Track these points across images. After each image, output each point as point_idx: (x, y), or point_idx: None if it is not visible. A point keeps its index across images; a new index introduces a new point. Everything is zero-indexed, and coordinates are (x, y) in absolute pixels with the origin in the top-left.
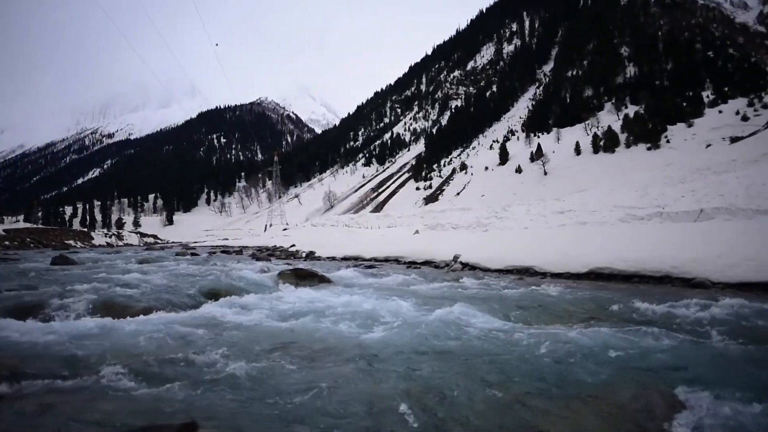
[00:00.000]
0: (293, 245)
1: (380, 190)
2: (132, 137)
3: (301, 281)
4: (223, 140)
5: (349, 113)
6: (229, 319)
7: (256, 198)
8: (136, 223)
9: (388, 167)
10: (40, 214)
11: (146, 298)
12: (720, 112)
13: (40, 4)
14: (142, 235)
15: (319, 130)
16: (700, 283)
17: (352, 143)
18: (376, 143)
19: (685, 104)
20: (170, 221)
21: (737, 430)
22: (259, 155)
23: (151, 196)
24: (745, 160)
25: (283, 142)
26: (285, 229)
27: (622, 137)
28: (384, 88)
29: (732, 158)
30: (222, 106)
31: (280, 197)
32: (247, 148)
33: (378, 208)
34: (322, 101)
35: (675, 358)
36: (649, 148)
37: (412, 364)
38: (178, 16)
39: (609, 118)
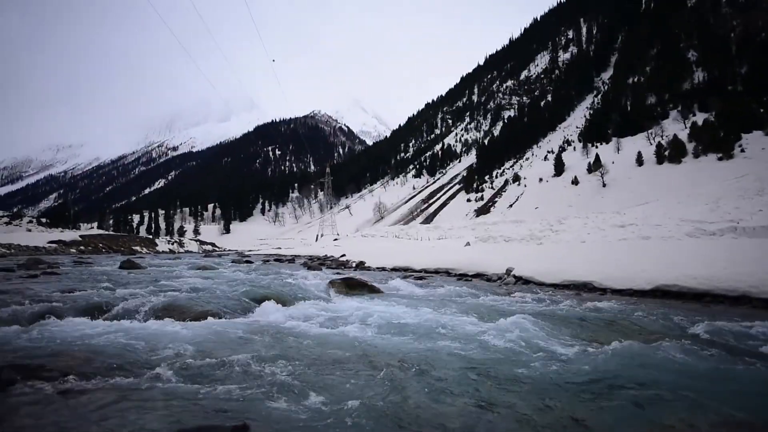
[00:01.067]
0: (344, 255)
1: (430, 202)
2: (194, 150)
3: (352, 290)
4: (278, 152)
5: (399, 125)
6: (281, 326)
7: (308, 208)
8: (196, 231)
9: (438, 178)
10: (111, 221)
11: (204, 302)
12: None
13: (115, 29)
14: (201, 242)
15: (370, 142)
16: None
17: (402, 154)
18: (427, 154)
19: (762, 110)
20: (227, 230)
21: None
22: (312, 167)
23: (210, 206)
24: None
25: (335, 154)
26: (336, 239)
27: (690, 147)
28: (435, 100)
29: None
30: (277, 120)
31: (331, 208)
32: (300, 159)
33: (428, 220)
34: (374, 113)
35: (752, 388)
36: (720, 158)
37: (464, 381)
38: (238, 34)
39: (674, 127)
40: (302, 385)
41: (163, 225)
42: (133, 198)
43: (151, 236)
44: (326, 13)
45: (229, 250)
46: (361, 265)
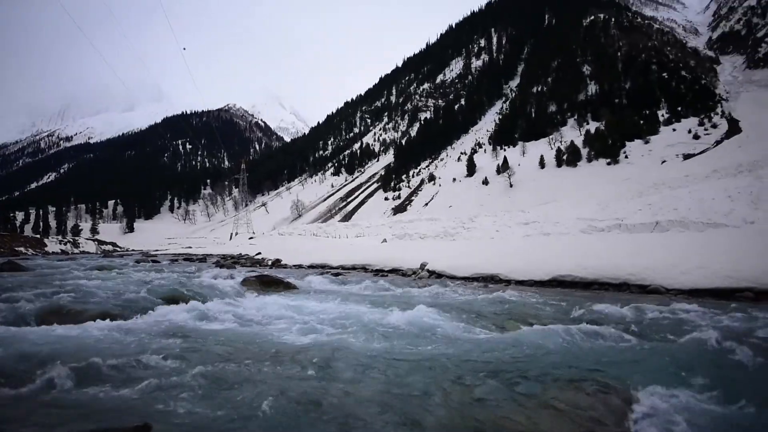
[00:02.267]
0: (259, 253)
1: (349, 200)
2: (92, 141)
3: (266, 288)
4: (188, 146)
5: (318, 122)
6: (188, 325)
7: (221, 206)
8: (94, 231)
9: (357, 177)
10: None
11: (100, 303)
12: (674, 130)
13: None
14: (100, 242)
15: (288, 139)
16: (655, 289)
17: (321, 152)
18: (346, 153)
19: (642, 122)
20: (131, 229)
21: (690, 421)
22: (226, 162)
23: (111, 203)
24: (697, 176)
25: (251, 150)
26: (251, 238)
27: (584, 152)
28: (354, 99)
29: (685, 174)
30: (188, 112)
31: (246, 206)
32: (213, 155)
33: (346, 218)
34: (292, 109)
35: (631, 358)
36: (609, 163)
37: (371, 368)
38: (143, 18)
39: (572, 134)
40: (208, 383)
41: (53, 223)
42: (16, 193)
43: (39, 236)
44: (244, 4)
45: (133, 251)
46: (277, 263)
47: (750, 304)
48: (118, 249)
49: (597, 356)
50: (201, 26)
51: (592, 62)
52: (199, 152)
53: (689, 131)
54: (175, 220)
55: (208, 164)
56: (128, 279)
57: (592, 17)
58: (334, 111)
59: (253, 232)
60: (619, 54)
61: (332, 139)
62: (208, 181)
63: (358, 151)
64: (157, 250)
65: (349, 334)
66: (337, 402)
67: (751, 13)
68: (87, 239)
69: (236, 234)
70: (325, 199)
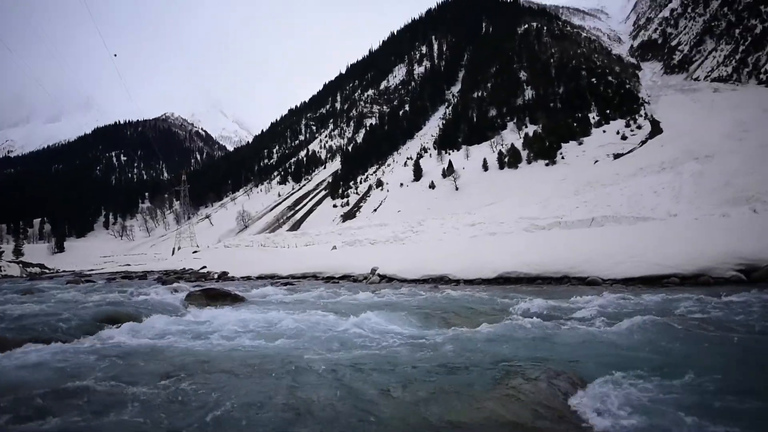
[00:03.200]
0: (204, 267)
1: (297, 209)
2: (12, 155)
3: (212, 301)
4: (123, 158)
5: (262, 130)
6: (129, 344)
7: (162, 220)
8: (18, 252)
9: (304, 185)
10: None
11: (31, 329)
12: (604, 131)
13: None
14: (26, 264)
15: (231, 148)
16: (593, 280)
17: (266, 161)
18: (292, 161)
19: (575, 124)
20: (60, 248)
21: (630, 401)
22: (165, 174)
23: (37, 221)
24: (626, 174)
25: (192, 160)
26: (195, 252)
27: (524, 154)
28: (299, 106)
29: (615, 172)
30: (122, 122)
31: (189, 218)
32: (151, 166)
33: (295, 227)
34: (234, 117)
35: (574, 344)
36: (547, 164)
37: (327, 372)
38: (69, 22)
39: (512, 137)
40: (146, 403)
41: None
42: None
43: None
44: (179, 8)
45: (64, 271)
46: (224, 276)
47: (676, 289)
48: (47, 271)
49: (543, 345)
50: (133, 32)
51: (528, 68)
52: (135, 164)
53: (617, 132)
54: (111, 236)
55: (145, 176)
56: (60, 301)
57: (526, 25)
58: (279, 118)
59: (197, 246)
60: (552, 60)
61: (277, 147)
62: (147, 194)
63: (305, 159)
64: (91, 270)
65: (302, 341)
66: (293, 407)
67: (665, 23)
68: (10, 262)
69: (179, 249)
70: (272, 209)
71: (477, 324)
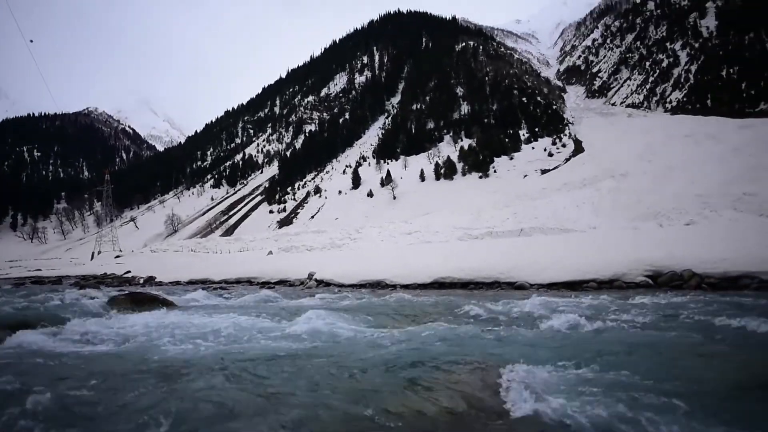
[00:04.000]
0: (128, 272)
1: (231, 213)
2: None
3: (139, 306)
4: (36, 153)
5: (196, 131)
6: (41, 350)
7: (80, 222)
8: None
9: (239, 189)
10: None
11: None
12: (533, 148)
13: None
14: None
15: (161, 148)
16: (521, 285)
17: (199, 163)
18: (227, 164)
19: (507, 140)
20: None
21: (549, 387)
22: (86, 173)
23: None
24: (552, 189)
25: (117, 159)
26: (118, 257)
27: (459, 166)
28: (236, 108)
29: (543, 187)
30: (36, 114)
31: (111, 221)
32: (69, 164)
33: (228, 232)
34: (165, 116)
35: (504, 341)
36: (480, 177)
37: (261, 373)
38: None
39: (448, 149)
40: (58, 410)
41: None
42: None
43: None
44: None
45: None
46: (150, 281)
47: (594, 292)
48: None
49: (475, 343)
50: (54, 19)
51: (465, 84)
52: (51, 161)
53: (545, 149)
54: (20, 239)
55: (62, 174)
56: None
57: (464, 44)
58: (214, 120)
59: (120, 250)
60: (486, 78)
61: (212, 150)
62: (63, 193)
63: (241, 163)
64: None
65: (235, 344)
66: (227, 407)
67: (588, 51)
68: None
69: (99, 253)
70: (204, 213)
71: (414, 324)
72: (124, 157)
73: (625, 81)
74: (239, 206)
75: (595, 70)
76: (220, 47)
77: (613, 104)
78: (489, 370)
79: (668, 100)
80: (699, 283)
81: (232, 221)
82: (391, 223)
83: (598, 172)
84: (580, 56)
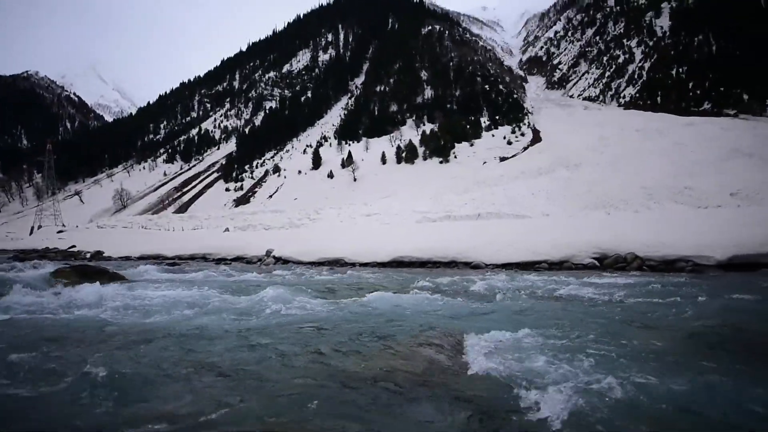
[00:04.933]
0: (73, 246)
1: (185, 190)
2: None
3: (86, 279)
4: None
5: (149, 102)
6: None
7: (18, 195)
8: None
9: (194, 165)
10: None
11: None
12: (493, 135)
13: None
14: None
15: (110, 118)
16: (477, 264)
17: (152, 136)
18: (182, 138)
19: (468, 127)
20: None
21: (501, 349)
22: (25, 142)
23: None
24: (510, 176)
25: (61, 128)
26: (61, 231)
27: (421, 150)
28: (192, 80)
29: (501, 174)
30: None
31: (54, 194)
32: (6, 131)
33: (182, 210)
34: (115, 85)
35: (461, 312)
36: (441, 162)
37: (220, 341)
38: None
39: (410, 133)
40: (28, 368)
41: None
42: None
43: None
44: None
45: None
46: (98, 256)
47: (545, 272)
48: None
49: (436, 312)
50: None
51: (429, 68)
52: None
53: (504, 137)
54: None
55: None
56: None
57: (430, 27)
58: (169, 91)
59: (64, 225)
60: (451, 64)
61: (165, 123)
62: None
63: (196, 138)
64: None
65: (187, 316)
66: (187, 373)
67: (550, 43)
68: None
69: (39, 228)
70: (156, 189)
71: (376, 296)
72: (69, 126)
73: (583, 74)
74: (194, 183)
75: (555, 62)
76: (177, 14)
77: (571, 96)
78: (448, 335)
79: (622, 95)
80: (641, 265)
81: (186, 198)
82: (351, 205)
83: (554, 161)
84: (542, 47)
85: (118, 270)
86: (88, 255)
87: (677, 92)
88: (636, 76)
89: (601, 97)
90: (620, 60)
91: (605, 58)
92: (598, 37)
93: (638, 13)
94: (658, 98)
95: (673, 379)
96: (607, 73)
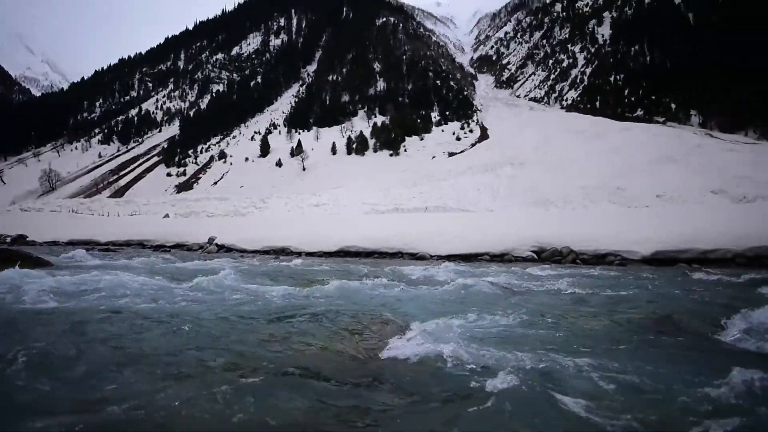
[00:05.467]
0: None
1: (122, 174)
2: None
3: (4, 264)
4: None
5: (83, 78)
6: None
7: None
8: None
9: (133, 148)
10: None
11: None
12: (443, 131)
13: None
14: None
15: (37, 93)
16: (422, 255)
17: (86, 115)
18: (119, 118)
19: (419, 121)
20: None
21: (441, 335)
22: None
23: None
24: (457, 171)
25: None
26: None
27: (371, 142)
28: (133, 57)
29: (449, 169)
30: None
31: None
32: None
33: (118, 194)
34: (45, 57)
35: (404, 300)
36: (391, 155)
37: (156, 322)
38: None
39: (362, 124)
40: None
41: None
42: None
43: None
44: None
45: None
46: (20, 240)
47: (486, 263)
48: None
49: (379, 300)
50: None
51: (382, 60)
52: None
53: (453, 133)
54: None
55: None
56: None
57: (384, 19)
58: (106, 67)
59: None
60: (404, 57)
61: (101, 101)
62: None
63: (136, 119)
64: None
65: (118, 301)
66: (132, 355)
67: (500, 43)
68: None
69: None
70: (90, 171)
71: (318, 284)
72: None
73: (530, 76)
74: (132, 166)
75: (505, 61)
76: None
77: (518, 96)
78: (389, 322)
79: (565, 97)
80: (575, 259)
81: (123, 182)
82: (299, 195)
83: (500, 159)
84: (492, 47)
85: (43, 256)
86: (9, 239)
87: (615, 98)
88: (578, 81)
89: (546, 98)
90: (564, 64)
91: (551, 62)
92: (545, 41)
93: (582, 20)
94: (598, 103)
95: (602, 360)
96: (552, 76)
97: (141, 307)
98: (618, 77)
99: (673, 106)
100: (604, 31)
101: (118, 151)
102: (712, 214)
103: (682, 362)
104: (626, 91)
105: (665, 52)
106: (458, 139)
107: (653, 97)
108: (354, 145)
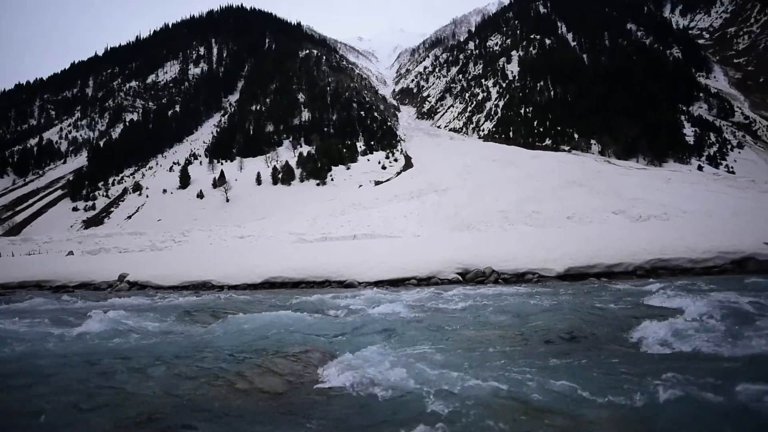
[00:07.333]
0: None
1: (18, 209)
2: None
3: None
4: None
5: None
6: None
7: None
8: None
9: (32, 180)
10: None
11: None
12: (368, 160)
13: None
14: None
15: None
16: (350, 283)
17: None
18: (15, 149)
19: (345, 150)
20: None
21: (364, 364)
22: None
23: None
24: (384, 199)
25: None
26: None
27: (297, 172)
28: (33, 82)
29: (376, 197)
30: None
31: None
32: None
33: (14, 232)
34: None
35: (330, 329)
36: (318, 184)
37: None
38: None
39: (287, 154)
40: None
41: None
42: None
43: None
44: None
45: None
46: None
47: (414, 287)
48: None
49: (304, 330)
50: None
51: (306, 91)
52: None
53: (379, 162)
54: None
55: None
56: None
57: (308, 51)
58: (1, 93)
59: None
60: (328, 88)
61: None
62: None
63: (36, 149)
64: None
65: (18, 347)
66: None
67: (420, 77)
68: None
69: None
70: None
71: (240, 319)
72: None
73: (449, 107)
74: (31, 200)
75: (425, 94)
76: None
77: (438, 127)
78: (313, 352)
79: (482, 128)
80: (497, 278)
81: (19, 218)
82: (222, 227)
83: (424, 186)
84: (413, 80)
85: None
86: None
87: (525, 128)
88: (493, 113)
89: (464, 129)
90: (479, 97)
91: (467, 95)
92: (461, 75)
93: (494, 57)
94: (511, 133)
95: (523, 371)
96: (469, 108)
97: (15, 355)
98: (528, 110)
99: (576, 136)
100: (513, 68)
101: (14, 184)
102: (615, 232)
103: (592, 369)
104: (535, 122)
105: (565, 89)
106: (384, 168)
107: (558, 128)
108: (280, 175)
